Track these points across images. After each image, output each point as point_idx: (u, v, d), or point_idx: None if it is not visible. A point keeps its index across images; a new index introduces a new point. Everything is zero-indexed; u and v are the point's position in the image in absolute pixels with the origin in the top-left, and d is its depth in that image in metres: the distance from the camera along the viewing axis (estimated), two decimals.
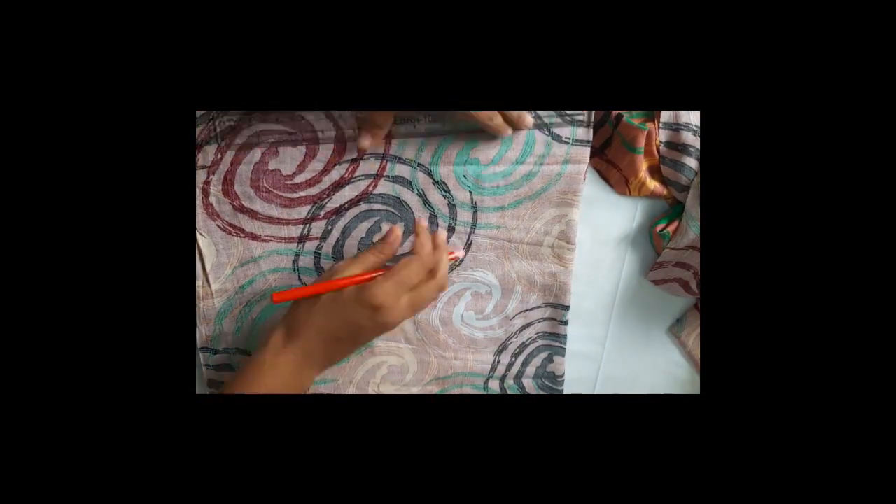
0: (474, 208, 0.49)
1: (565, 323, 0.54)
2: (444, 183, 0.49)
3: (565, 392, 0.57)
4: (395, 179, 0.49)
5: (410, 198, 0.49)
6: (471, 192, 0.49)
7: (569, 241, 0.51)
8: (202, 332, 0.53)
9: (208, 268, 0.51)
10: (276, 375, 0.43)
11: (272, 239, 0.50)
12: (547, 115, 0.47)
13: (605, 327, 0.56)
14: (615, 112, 0.49)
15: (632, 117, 0.50)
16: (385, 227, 0.50)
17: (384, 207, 0.49)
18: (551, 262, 0.52)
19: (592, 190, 0.52)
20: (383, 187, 0.49)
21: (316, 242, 0.50)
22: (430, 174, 0.48)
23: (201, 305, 0.52)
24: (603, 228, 0.53)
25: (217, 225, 0.50)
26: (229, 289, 0.51)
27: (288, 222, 0.50)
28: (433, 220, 0.50)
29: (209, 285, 0.51)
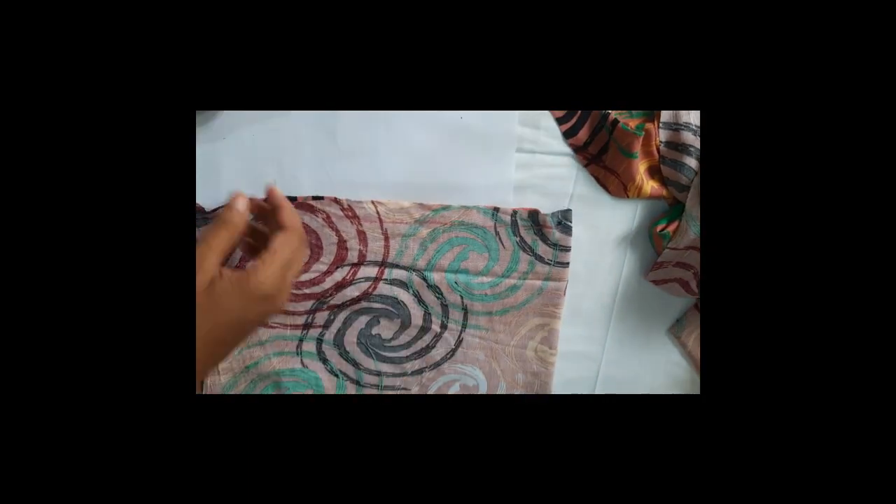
0: (465, 310, 0.53)
1: None
2: (437, 287, 0.52)
3: (565, 393, 0.57)
4: (393, 282, 0.52)
5: (406, 297, 0.52)
6: (461, 296, 0.52)
7: (551, 347, 0.55)
8: None
9: None
10: None
11: (278, 326, 0.52)
12: (531, 239, 0.51)
13: (605, 327, 0.56)
14: (611, 118, 0.49)
15: (631, 117, 0.50)
16: (384, 321, 0.53)
17: (382, 306, 0.52)
18: (535, 363, 0.55)
19: (592, 191, 0.52)
20: (382, 289, 0.52)
21: (319, 330, 0.52)
22: (424, 279, 0.52)
23: (207, 381, 0.53)
24: (602, 229, 0.53)
25: None
26: (235, 368, 0.53)
27: (293, 313, 0.52)
28: (427, 318, 0.53)
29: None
